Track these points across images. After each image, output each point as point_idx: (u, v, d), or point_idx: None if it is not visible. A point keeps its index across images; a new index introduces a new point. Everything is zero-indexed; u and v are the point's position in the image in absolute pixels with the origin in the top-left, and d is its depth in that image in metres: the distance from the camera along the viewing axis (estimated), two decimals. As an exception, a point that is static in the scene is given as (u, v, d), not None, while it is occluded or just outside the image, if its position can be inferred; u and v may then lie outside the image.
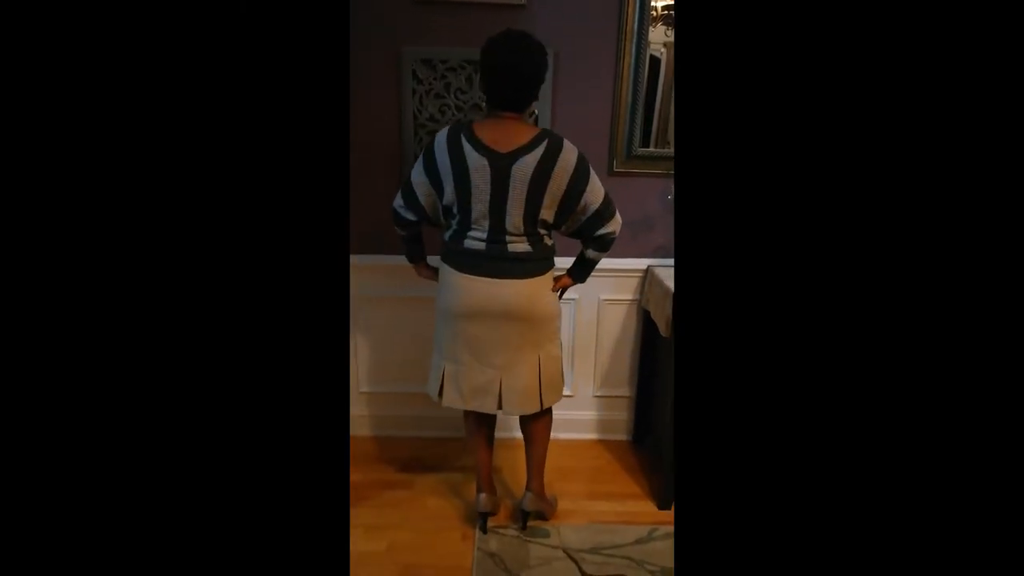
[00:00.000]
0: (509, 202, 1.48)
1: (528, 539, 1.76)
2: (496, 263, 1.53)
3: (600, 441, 2.27)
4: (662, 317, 1.84)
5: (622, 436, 2.28)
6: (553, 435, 2.24)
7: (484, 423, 1.78)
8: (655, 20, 1.84)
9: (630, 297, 2.11)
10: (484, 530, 1.78)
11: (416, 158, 1.96)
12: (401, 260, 2.07)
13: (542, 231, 1.56)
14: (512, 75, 1.43)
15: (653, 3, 1.81)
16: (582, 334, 2.16)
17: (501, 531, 1.79)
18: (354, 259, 2.02)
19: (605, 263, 2.04)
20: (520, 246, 1.54)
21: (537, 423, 1.75)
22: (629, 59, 1.86)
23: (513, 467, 2.11)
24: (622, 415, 2.26)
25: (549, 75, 1.85)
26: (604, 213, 1.54)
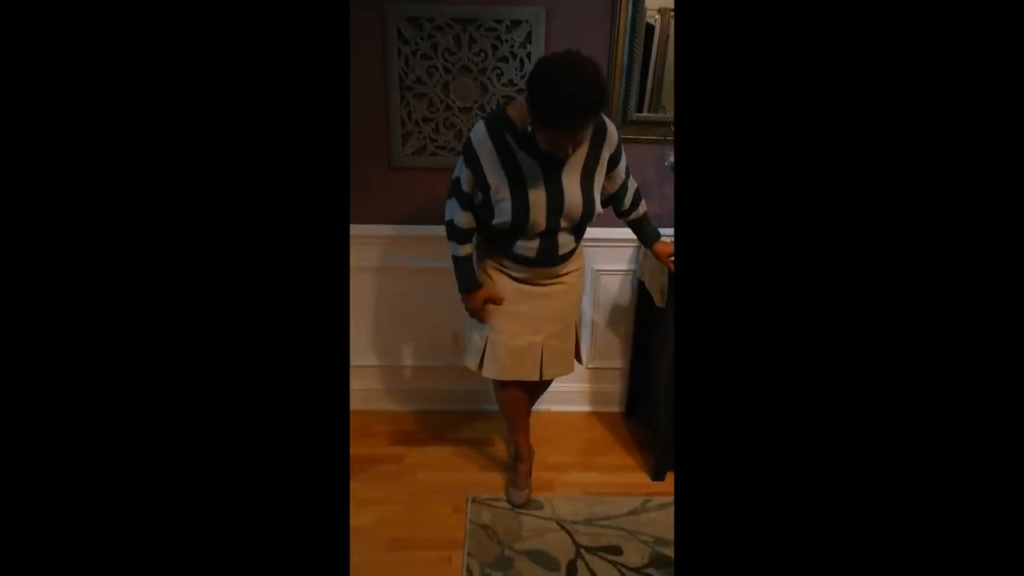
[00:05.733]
0: None
1: (521, 511, 1.74)
2: None
3: (593, 413, 2.25)
4: (657, 288, 1.80)
5: (615, 408, 2.26)
6: (546, 407, 2.23)
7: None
8: (650, -18, 1.76)
9: (624, 268, 2.07)
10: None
11: (402, 123, 1.89)
12: (386, 229, 2.01)
13: None
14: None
15: (649, -39, 1.74)
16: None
17: (493, 503, 1.77)
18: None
19: (600, 233, 2.00)
20: None
21: None
22: (624, 22, 1.78)
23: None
24: (615, 387, 2.24)
25: (541, 37, 1.78)
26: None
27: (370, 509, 1.73)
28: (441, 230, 1.99)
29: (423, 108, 1.87)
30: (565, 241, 1.53)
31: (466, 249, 1.58)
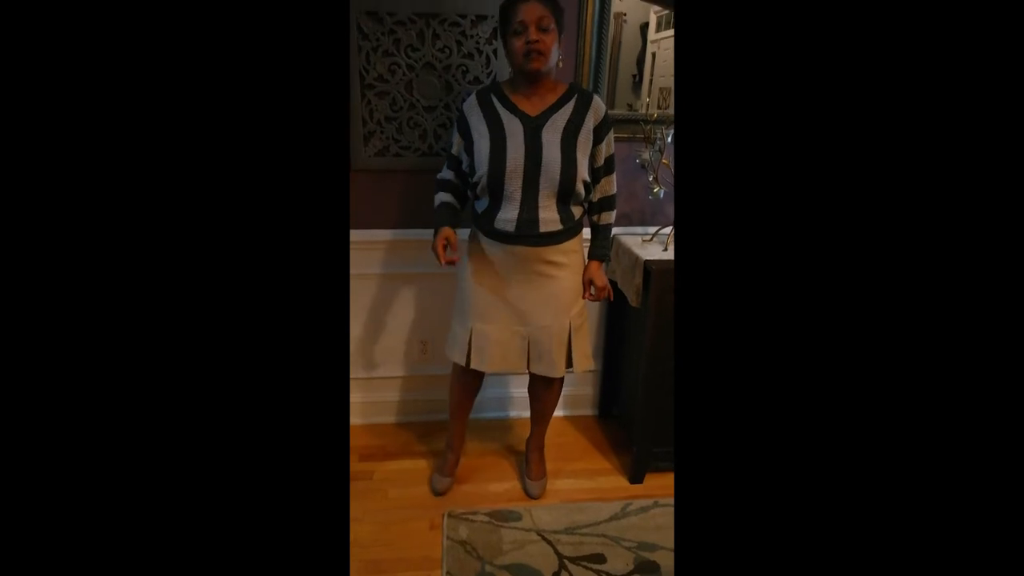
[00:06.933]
0: None
1: (499, 523, 1.68)
2: None
3: (567, 417, 2.21)
4: (631, 287, 1.78)
5: (588, 411, 2.23)
6: (516, 412, 2.18)
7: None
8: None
9: (595, 268, 2.03)
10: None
11: (363, 123, 1.80)
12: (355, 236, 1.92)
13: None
14: None
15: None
16: (546, 308, 2.07)
17: (471, 517, 1.70)
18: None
19: (569, 233, 1.96)
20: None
21: None
22: (592, 16, 1.75)
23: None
24: (587, 390, 2.21)
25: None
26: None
27: (340, 530, 1.64)
28: (405, 234, 1.92)
29: (385, 107, 1.79)
30: (547, 216, 1.48)
31: (442, 196, 1.58)
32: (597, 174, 1.55)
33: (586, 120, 1.47)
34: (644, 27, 1.81)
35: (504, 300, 1.57)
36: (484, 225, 1.53)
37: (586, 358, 1.64)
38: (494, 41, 1.75)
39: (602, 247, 1.62)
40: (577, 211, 1.55)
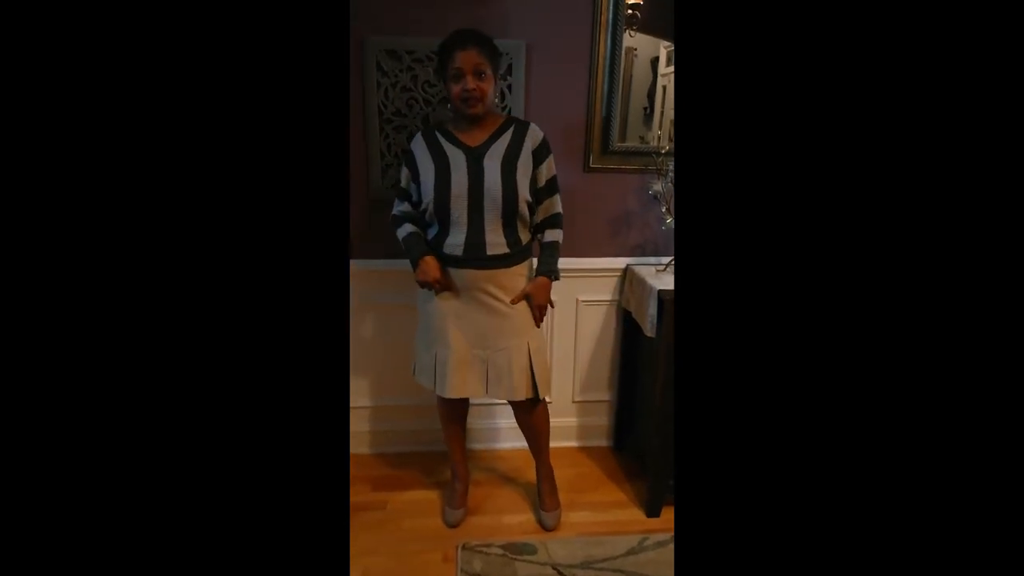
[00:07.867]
0: None
1: (514, 556, 1.66)
2: None
3: (580, 448, 2.19)
4: (645, 317, 1.78)
5: (603, 442, 2.21)
6: (533, 444, 2.16)
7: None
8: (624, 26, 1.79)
9: (608, 298, 2.04)
10: None
11: (381, 156, 1.84)
12: (363, 265, 1.94)
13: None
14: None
15: (626, -5, 1.76)
16: (560, 338, 2.08)
17: (485, 550, 1.68)
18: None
19: (582, 263, 1.98)
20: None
21: None
22: (604, 51, 1.80)
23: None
24: (602, 420, 2.19)
25: (521, 68, 1.78)
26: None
27: (355, 563, 1.62)
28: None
29: (403, 140, 1.83)
30: (493, 240, 1.54)
31: (408, 227, 1.64)
32: (540, 195, 1.61)
33: (524, 146, 1.56)
34: (655, 61, 1.85)
35: (461, 324, 1.61)
36: (436, 251, 1.58)
37: (546, 384, 1.68)
38: (508, 77, 1.80)
39: (547, 263, 1.63)
40: (524, 236, 1.61)
